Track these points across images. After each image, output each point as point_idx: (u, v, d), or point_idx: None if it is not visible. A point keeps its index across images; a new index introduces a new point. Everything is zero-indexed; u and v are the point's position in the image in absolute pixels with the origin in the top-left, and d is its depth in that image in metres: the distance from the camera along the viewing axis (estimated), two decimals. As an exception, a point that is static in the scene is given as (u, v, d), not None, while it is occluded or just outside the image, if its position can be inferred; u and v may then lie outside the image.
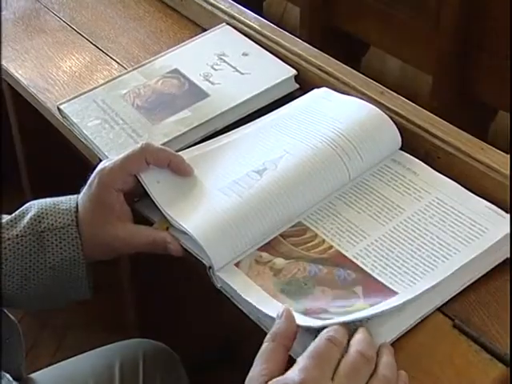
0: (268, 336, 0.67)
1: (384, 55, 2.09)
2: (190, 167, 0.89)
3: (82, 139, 1.00)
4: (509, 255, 0.79)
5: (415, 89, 2.01)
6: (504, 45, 1.63)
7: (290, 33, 1.11)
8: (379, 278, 0.77)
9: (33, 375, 1.03)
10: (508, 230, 0.79)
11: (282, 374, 0.63)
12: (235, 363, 1.48)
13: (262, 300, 0.76)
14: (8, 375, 0.89)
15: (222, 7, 1.16)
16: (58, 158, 1.45)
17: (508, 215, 0.81)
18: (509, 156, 0.84)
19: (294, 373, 0.63)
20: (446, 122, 0.91)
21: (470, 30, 1.69)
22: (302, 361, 0.64)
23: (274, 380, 0.62)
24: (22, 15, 1.29)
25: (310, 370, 0.63)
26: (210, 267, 0.80)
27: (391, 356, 0.68)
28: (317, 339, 0.66)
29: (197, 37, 1.14)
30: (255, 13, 1.16)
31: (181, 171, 0.88)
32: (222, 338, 1.52)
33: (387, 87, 0.97)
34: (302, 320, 0.70)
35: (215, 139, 0.95)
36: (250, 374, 0.65)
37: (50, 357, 1.62)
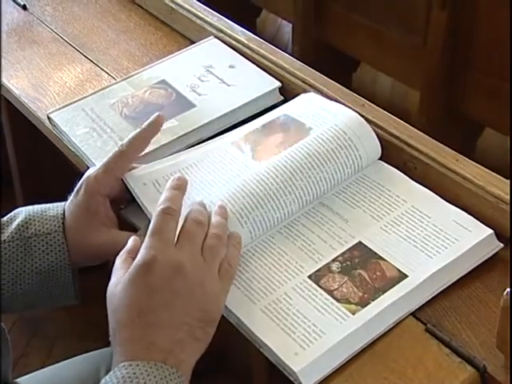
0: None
1: (375, 72, 2.12)
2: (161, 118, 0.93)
3: (71, 147, 1.02)
4: (477, 264, 0.81)
5: (405, 105, 2.03)
6: (491, 62, 1.66)
7: (283, 49, 1.13)
8: None
9: (19, 380, 1.04)
10: (479, 239, 0.81)
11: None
12: (226, 371, 1.49)
13: (239, 305, 0.78)
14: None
15: (210, 21, 1.18)
16: (49, 166, 1.46)
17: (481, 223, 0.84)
18: (509, 182, 0.85)
19: (141, 254, 0.72)
20: (423, 134, 0.93)
21: (458, 47, 1.71)
22: (145, 240, 0.73)
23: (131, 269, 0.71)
24: (14, 26, 1.31)
25: (154, 244, 0.72)
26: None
27: (221, 217, 0.80)
28: (154, 215, 0.75)
29: (185, 49, 1.16)
30: (249, 30, 1.17)
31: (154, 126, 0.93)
32: (212, 345, 1.52)
33: (377, 103, 0.98)
34: None
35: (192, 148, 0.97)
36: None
37: (39, 365, 1.62)
